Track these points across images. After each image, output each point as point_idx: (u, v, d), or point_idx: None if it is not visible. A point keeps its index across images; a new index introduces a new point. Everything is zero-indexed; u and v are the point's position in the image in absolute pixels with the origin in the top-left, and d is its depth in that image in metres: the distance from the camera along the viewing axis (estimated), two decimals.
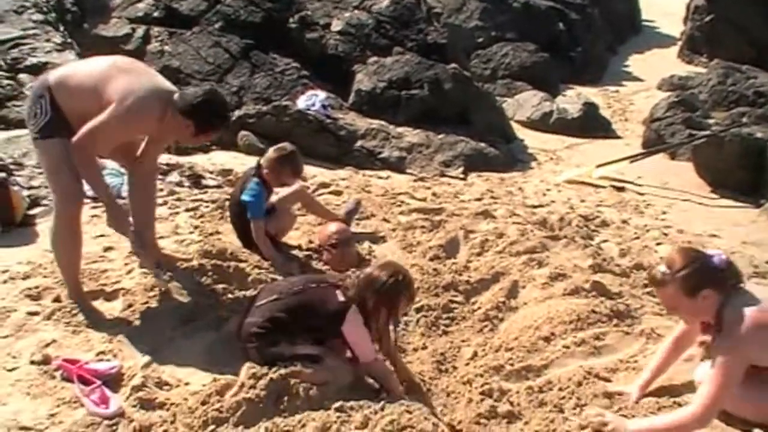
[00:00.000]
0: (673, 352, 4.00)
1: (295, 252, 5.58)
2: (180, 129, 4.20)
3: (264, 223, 5.32)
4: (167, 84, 4.32)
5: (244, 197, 5.29)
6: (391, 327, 4.08)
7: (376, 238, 5.98)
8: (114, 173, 6.10)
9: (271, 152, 5.45)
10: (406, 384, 4.11)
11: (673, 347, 3.99)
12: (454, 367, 4.46)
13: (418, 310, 4.95)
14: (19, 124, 6.88)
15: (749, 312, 3.44)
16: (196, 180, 6.80)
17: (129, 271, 4.78)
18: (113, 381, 3.72)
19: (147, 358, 3.91)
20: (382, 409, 3.57)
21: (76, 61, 4.47)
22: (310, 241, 5.73)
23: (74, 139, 4.02)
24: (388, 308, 3.93)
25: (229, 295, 4.65)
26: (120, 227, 4.39)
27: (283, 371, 3.66)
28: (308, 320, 3.93)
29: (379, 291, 3.88)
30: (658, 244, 6.64)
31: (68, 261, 4.36)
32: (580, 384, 4.04)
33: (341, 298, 3.94)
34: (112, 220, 4.34)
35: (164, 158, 6.94)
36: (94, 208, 5.65)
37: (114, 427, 3.41)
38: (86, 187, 4.45)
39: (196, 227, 5.67)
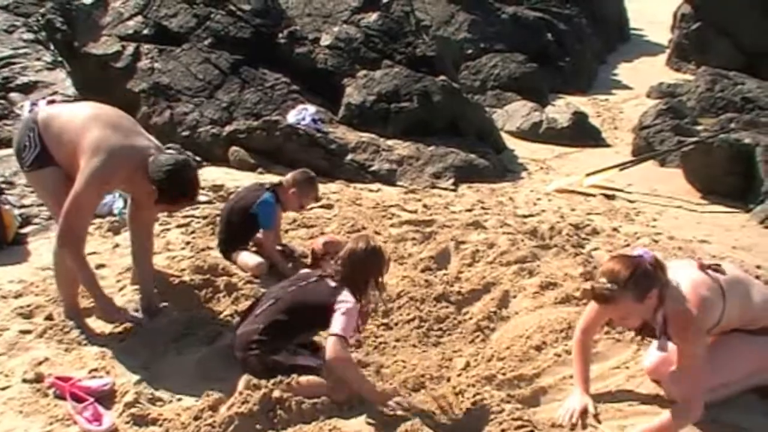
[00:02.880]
0: (585, 348, 4.11)
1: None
2: (143, 193, 4.16)
3: (273, 235, 5.51)
4: (143, 143, 4.22)
5: (258, 208, 5.41)
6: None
7: None
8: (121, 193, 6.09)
9: (299, 173, 5.61)
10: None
11: (582, 345, 4.09)
12: (447, 378, 4.48)
13: (409, 322, 4.98)
14: (10, 143, 6.78)
15: (687, 294, 3.58)
16: None
17: (121, 288, 4.80)
18: (106, 398, 3.73)
19: (139, 375, 3.93)
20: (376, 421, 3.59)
21: (64, 105, 4.46)
22: (304, 254, 5.75)
23: (59, 227, 4.06)
24: (376, 274, 4.03)
25: (221, 311, 4.66)
26: (110, 318, 4.40)
27: (280, 384, 3.69)
28: (306, 315, 3.99)
29: (364, 260, 3.98)
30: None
31: (69, 281, 4.39)
32: None
33: (332, 284, 4.00)
34: (102, 313, 4.39)
35: None
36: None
37: None
38: None
39: (187, 243, 5.69)
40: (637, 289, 3.49)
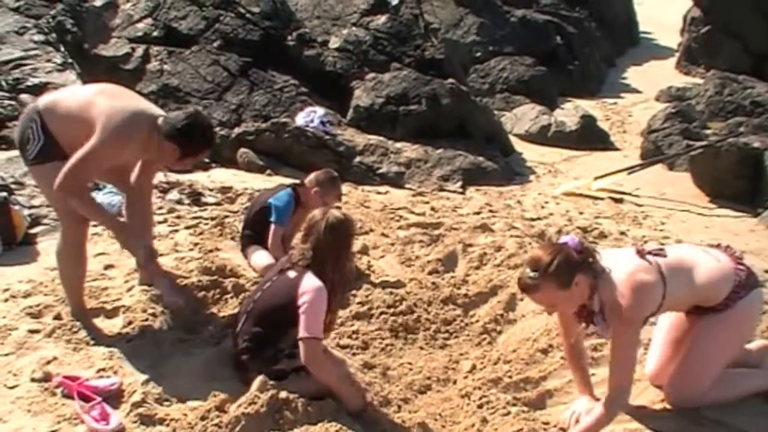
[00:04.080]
0: (576, 356, 4.05)
1: None
2: (165, 152, 4.18)
3: (283, 231, 5.48)
4: (153, 108, 4.31)
5: (273, 201, 5.46)
6: None
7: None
8: (114, 191, 6.14)
9: (322, 173, 5.62)
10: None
11: (572, 355, 4.04)
12: (453, 381, 4.49)
13: (416, 323, 4.99)
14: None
15: (622, 281, 3.56)
16: (195, 197, 6.84)
17: (129, 289, 4.80)
18: (113, 397, 3.73)
19: (147, 375, 3.93)
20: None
21: (64, 88, 4.48)
22: None
23: (61, 174, 3.98)
24: (345, 247, 3.92)
25: (228, 312, 4.68)
26: (133, 245, 4.37)
27: (289, 385, 3.70)
28: (278, 320, 3.85)
29: (328, 235, 3.81)
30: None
31: (74, 280, 4.41)
32: None
33: (293, 275, 3.86)
34: (124, 242, 4.40)
35: (164, 176, 6.99)
36: (96, 226, 5.68)
37: None
38: None
39: (195, 244, 5.70)
40: (559, 276, 3.46)
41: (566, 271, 3.47)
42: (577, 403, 3.97)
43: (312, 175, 5.63)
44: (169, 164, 4.52)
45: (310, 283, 3.76)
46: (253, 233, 5.48)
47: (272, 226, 5.43)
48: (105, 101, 4.09)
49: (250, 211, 5.71)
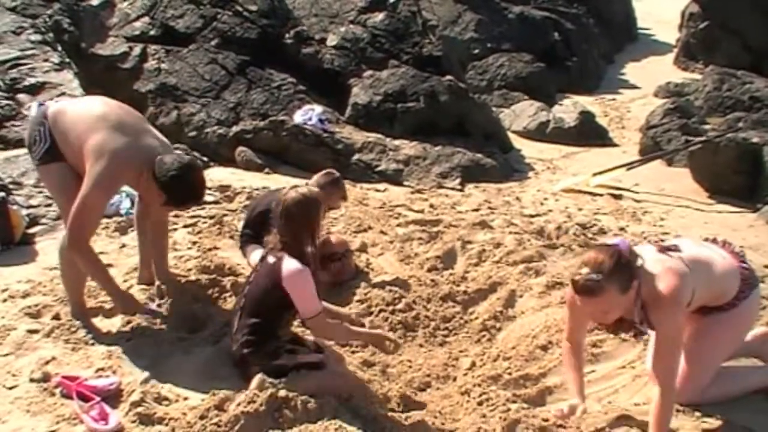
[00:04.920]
0: (576, 359, 3.95)
1: None
2: (152, 194, 4.18)
3: None
4: (150, 142, 4.24)
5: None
6: None
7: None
8: (127, 192, 6.10)
9: (323, 176, 5.54)
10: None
11: (572, 357, 3.94)
12: (453, 378, 4.48)
13: (415, 321, 4.99)
14: (18, 144, 6.91)
15: (660, 274, 3.54)
16: None
17: (128, 288, 4.80)
18: (112, 397, 3.74)
19: (146, 374, 3.94)
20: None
21: (74, 99, 4.47)
22: None
23: (66, 235, 4.11)
24: (311, 221, 3.89)
25: (227, 310, 4.67)
26: (130, 311, 4.43)
27: (289, 383, 3.70)
28: (269, 308, 3.89)
29: (295, 215, 3.82)
30: (661, 240, 6.66)
31: (75, 279, 4.41)
32: None
33: (271, 260, 3.90)
34: (122, 308, 4.41)
35: None
36: None
37: None
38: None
39: (194, 243, 5.70)
40: (621, 279, 3.41)
41: (627, 274, 3.44)
42: (566, 403, 3.92)
43: (313, 179, 5.58)
44: (150, 203, 4.46)
45: (289, 266, 3.79)
46: (253, 233, 5.46)
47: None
48: (102, 133, 4.07)
49: (252, 210, 5.66)
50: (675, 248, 3.76)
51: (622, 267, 3.41)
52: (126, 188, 5.57)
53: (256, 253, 5.32)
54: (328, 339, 4.05)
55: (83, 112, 4.24)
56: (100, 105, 4.31)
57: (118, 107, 4.37)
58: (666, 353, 3.58)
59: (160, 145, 4.28)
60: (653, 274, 3.57)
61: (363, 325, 4.66)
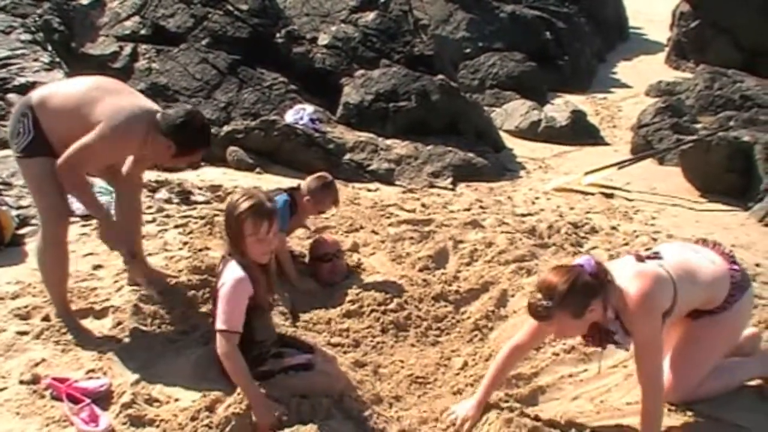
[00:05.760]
0: (509, 363, 3.93)
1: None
2: (160, 149, 4.17)
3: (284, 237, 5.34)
4: (150, 104, 4.32)
5: None
6: None
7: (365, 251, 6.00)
8: (103, 191, 6.10)
9: (314, 180, 5.49)
10: None
11: (508, 359, 3.90)
12: (445, 378, 4.47)
13: (407, 321, 4.98)
14: (7, 144, 6.87)
15: (629, 280, 3.50)
16: (185, 196, 6.80)
17: (118, 289, 4.78)
18: (103, 399, 3.72)
19: (136, 376, 3.92)
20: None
21: (58, 81, 4.49)
22: (302, 254, 5.74)
23: (62, 158, 4.01)
24: (237, 230, 3.67)
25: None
26: (114, 242, 4.43)
27: (277, 386, 3.69)
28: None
29: (229, 219, 3.71)
30: (647, 249, 6.64)
31: (55, 279, 4.37)
32: None
33: (221, 266, 3.82)
34: (105, 235, 4.38)
35: (153, 175, 6.96)
36: (84, 226, 5.66)
37: None
38: (75, 205, 4.51)
39: (185, 243, 5.67)
40: (574, 305, 3.35)
41: (581, 300, 3.36)
42: (461, 406, 3.92)
43: (305, 182, 5.54)
44: (163, 161, 4.50)
45: (228, 273, 3.68)
46: None
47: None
48: (107, 98, 4.09)
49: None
50: (655, 256, 3.74)
51: (576, 292, 3.32)
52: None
53: None
54: (226, 364, 3.58)
55: (73, 87, 4.22)
56: (88, 79, 4.31)
57: (106, 78, 4.40)
58: (644, 359, 3.55)
59: (156, 107, 4.32)
60: (625, 284, 3.52)
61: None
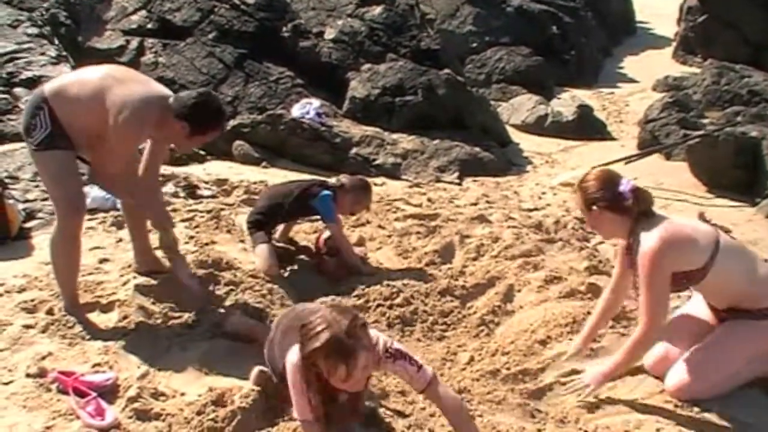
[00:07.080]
0: (608, 309, 4.28)
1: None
2: (175, 131, 4.22)
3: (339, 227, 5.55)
4: (162, 89, 4.35)
5: (319, 203, 5.40)
6: None
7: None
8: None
9: (356, 180, 5.68)
10: None
11: (605, 307, 4.25)
12: (451, 373, 4.46)
13: (413, 315, 4.97)
14: (15, 138, 6.89)
15: (663, 229, 3.64)
16: (191, 190, 6.81)
17: (124, 283, 4.78)
18: (109, 392, 3.71)
19: (142, 370, 3.92)
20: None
21: (70, 73, 4.53)
22: (308, 248, 5.74)
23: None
24: None
25: (224, 305, 4.65)
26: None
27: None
28: None
29: None
30: None
31: (67, 272, 4.38)
32: None
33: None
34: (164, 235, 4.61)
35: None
36: (90, 220, 5.66)
37: None
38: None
39: (191, 237, 5.67)
40: (584, 195, 3.88)
41: (591, 196, 3.83)
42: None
43: (348, 180, 5.63)
44: (178, 144, 4.53)
45: (290, 354, 3.31)
46: (265, 219, 5.41)
47: (331, 228, 5.46)
48: (117, 87, 4.12)
49: (268, 198, 5.61)
50: (716, 226, 3.89)
51: (591, 188, 3.85)
52: None
53: (261, 248, 5.27)
54: None
55: (87, 77, 4.23)
56: (100, 67, 4.33)
57: (117, 66, 4.49)
58: (645, 301, 3.69)
59: (168, 91, 4.38)
60: (656, 227, 3.67)
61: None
